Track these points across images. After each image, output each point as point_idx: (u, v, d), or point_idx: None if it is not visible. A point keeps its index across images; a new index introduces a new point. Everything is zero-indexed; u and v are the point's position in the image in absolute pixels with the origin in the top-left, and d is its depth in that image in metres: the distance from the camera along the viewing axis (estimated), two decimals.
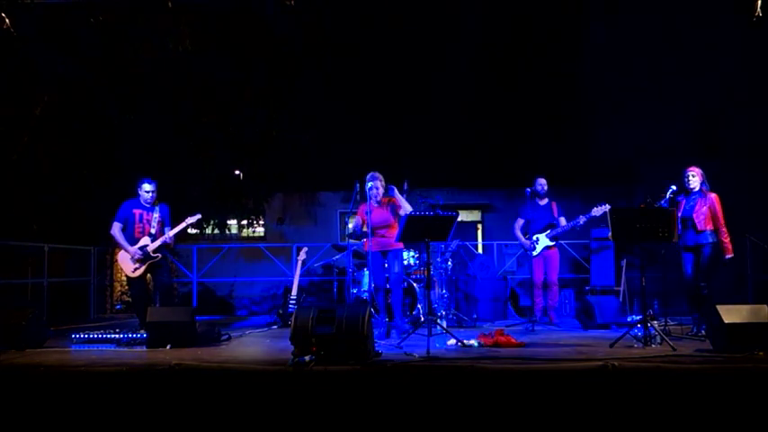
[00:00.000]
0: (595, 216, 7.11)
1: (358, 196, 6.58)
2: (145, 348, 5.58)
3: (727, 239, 6.00)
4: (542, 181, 7.55)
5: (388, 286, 6.65)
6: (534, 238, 7.46)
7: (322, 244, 10.56)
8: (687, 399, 3.87)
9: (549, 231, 7.43)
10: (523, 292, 9.22)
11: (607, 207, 7.02)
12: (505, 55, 12.48)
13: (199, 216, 6.82)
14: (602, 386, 3.90)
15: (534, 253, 7.49)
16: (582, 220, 7.20)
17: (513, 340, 5.52)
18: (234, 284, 12.82)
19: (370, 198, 6.38)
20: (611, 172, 11.79)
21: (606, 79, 10.47)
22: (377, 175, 6.45)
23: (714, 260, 6.00)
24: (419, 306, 7.39)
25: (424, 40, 12.09)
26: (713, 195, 6.09)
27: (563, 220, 7.44)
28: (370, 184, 6.40)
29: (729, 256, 6.00)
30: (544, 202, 7.58)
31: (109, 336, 5.99)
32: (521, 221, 7.69)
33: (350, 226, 6.66)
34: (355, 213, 6.78)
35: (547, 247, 7.46)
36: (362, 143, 12.25)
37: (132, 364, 4.53)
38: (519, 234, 7.69)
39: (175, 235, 6.62)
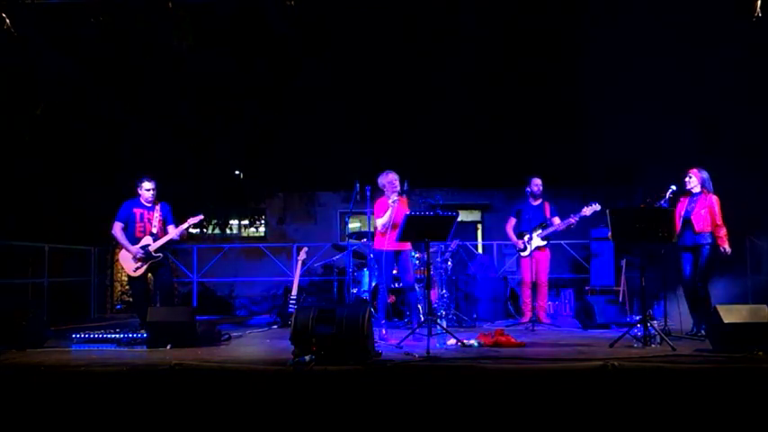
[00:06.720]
0: (586, 215, 7.10)
1: (358, 196, 6.56)
2: (145, 348, 5.58)
3: (723, 234, 5.98)
4: (537, 181, 7.51)
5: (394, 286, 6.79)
6: (526, 238, 7.44)
7: (322, 244, 10.56)
8: (687, 399, 3.87)
9: (540, 231, 7.39)
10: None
11: (598, 207, 7.04)
12: (505, 54, 12.47)
13: (201, 217, 6.82)
14: (601, 386, 3.90)
15: (525, 253, 7.47)
16: (573, 219, 7.17)
17: (513, 340, 5.53)
18: (234, 284, 12.81)
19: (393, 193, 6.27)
20: (611, 172, 11.78)
21: (606, 79, 10.45)
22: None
23: (711, 261, 6.01)
24: (419, 306, 7.39)
25: (423, 39, 12.09)
26: (713, 197, 6.09)
27: (556, 220, 7.39)
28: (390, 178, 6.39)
29: (726, 247, 5.97)
30: (538, 202, 7.55)
31: (109, 336, 5.99)
32: (513, 221, 7.69)
33: (380, 222, 6.28)
34: (361, 213, 6.73)
35: (538, 248, 7.42)
36: (363, 143, 12.26)
37: (132, 363, 4.53)
38: (511, 234, 7.68)
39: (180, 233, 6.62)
